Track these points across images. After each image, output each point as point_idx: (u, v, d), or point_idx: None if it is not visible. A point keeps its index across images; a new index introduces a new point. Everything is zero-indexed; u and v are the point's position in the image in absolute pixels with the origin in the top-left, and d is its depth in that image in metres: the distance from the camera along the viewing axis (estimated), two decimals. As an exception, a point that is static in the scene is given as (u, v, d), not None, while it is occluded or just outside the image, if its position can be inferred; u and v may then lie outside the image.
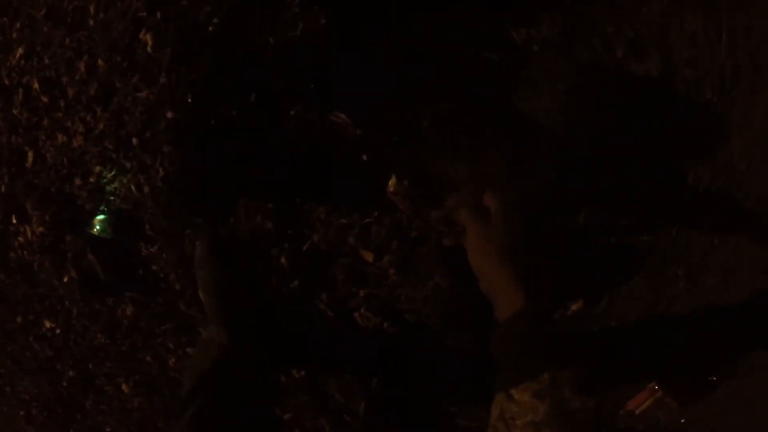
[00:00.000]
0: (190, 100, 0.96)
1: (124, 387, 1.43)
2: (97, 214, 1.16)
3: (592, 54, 0.91)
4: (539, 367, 0.51)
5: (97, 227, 1.16)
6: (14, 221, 1.44)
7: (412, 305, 1.04)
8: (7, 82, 1.28)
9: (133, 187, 1.10)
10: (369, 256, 1.05)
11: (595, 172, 0.98)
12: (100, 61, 1.06)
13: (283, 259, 1.05)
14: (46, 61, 1.16)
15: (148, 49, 0.98)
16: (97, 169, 1.15)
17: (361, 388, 1.16)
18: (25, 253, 1.43)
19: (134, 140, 1.07)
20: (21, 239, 1.45)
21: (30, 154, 1.33)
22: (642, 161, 0.97)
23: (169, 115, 1.00)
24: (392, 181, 0.93)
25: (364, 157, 0.94)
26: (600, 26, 0.89)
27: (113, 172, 1.12)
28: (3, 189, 1.41)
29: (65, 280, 1.37)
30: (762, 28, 0.88)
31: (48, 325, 1.50)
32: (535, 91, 0.94)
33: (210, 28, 0.93)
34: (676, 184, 0.98)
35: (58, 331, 1.49)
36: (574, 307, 1.05)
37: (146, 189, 1.08)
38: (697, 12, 0.86)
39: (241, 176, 1.00)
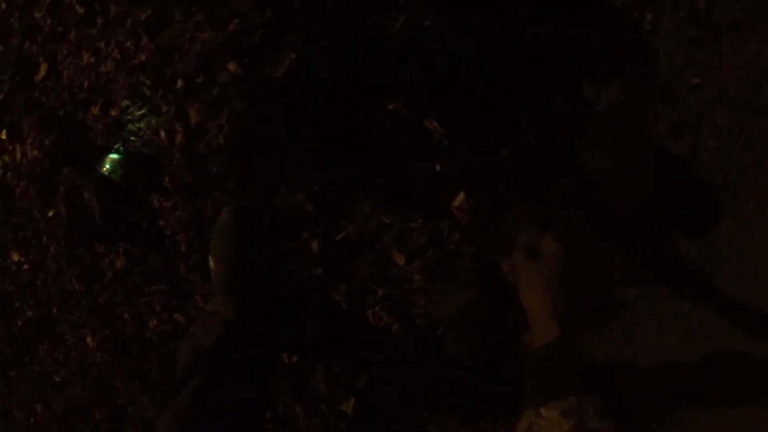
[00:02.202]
0: (262, 59, 0.80)
1: (88, 340, 1.21)
2: (110, 152, 0.96)
3: (641, 125, 0.95)
4: (568, 391, 0.56)
5: (107, 166, 0.96)
6: (2, 136, 1.19)
7: (434, 312, 0.96)
8: (36, -22, 1.05)
9: (162, 133, 0.90)
10: (400, 259, 0.96)
11: (619, 230, 1.03)
12: (160, -14, 0.87)
13: (314, 244, 0.90)
14: (94, -31, 0.95)
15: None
16: (124, 102, 0.94)
17: (347, 383, 1.06)
18: (8, 175, 1.17)
19: (179, 82, 0.88)
20: (6, 158, 1.19)
21: (43, 67, 1.09)
22: (652, 225, 1.04)
23: (231, 67, 0.83)
24: (460, 197, 0.85)
25: (437, 167, 0.84)
26: (653, 103, 0.93)
27: (142, 111, 0.92)
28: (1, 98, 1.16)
29: (49, 214, 1.13)
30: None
31: (15, 257, 1.24)
32: (594, 147, 0.97)
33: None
34: (670, 250, 1.05)
35: (25, 266, 1.23)
36: None
37: (179, 138, 0.89)
38: (729, 111, 0.92)
39: (296, 150, 0.85)
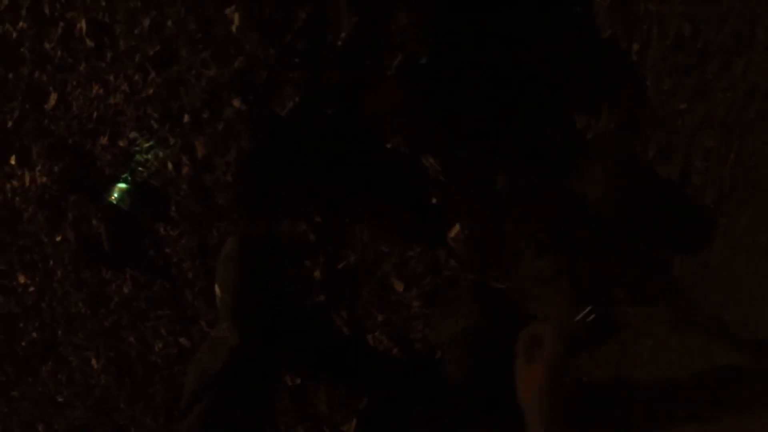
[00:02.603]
0: (266, 96, 0.83)
1: (93, 362, 1.22)
2: (118, 182, 0.98)
3: (631, 151, 0.97)
4: None
5: (115, 195, 0.98)
6: (11, 162, 1.22)
7: (432, 337, 0.99)
8: (47, 11, 1.07)
9: (170, 165, 0.93)
10: (399, 286, 0.99)
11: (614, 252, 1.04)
12: (169, 23, 0.90)
13: (316, 272, 0.93)
14: (103, 2, 0.98)
15: (233, 27, 0.85)
16: (132, 134, 0.97)
17: (350, 404, 1.08)
18: (16, 199, 1.20)
19: (186, 117, 0.91)
20: (15, 183, 1.21)
21: (53, 97, 1.12)
22: (646, 246, 1.05)
23: (236, 103, 0.86)
24: (455, 228, 0.88)
25: (434, 200, 0.87)
26: (643, 129, 0.95)
27: (150, 143, 0.95)
28: (9, 124, 1.18)
29: (57, 239, 1.16)
30: (763, 152, 0.99)
31: (22, 280, 1.26)
32: (586, 177, 0.99)
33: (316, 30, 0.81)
34: (664, 270, 1.06)
35: (31, 289, 1.25)
36: None
37: (185, 170, 0.92)
38: (717, 132, 0.94)
39: (298, 183, 0.88)
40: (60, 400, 1.30)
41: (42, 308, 1.23)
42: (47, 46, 1.08)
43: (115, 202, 0.97)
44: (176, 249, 0.98)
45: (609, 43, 0.94)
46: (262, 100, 0.87)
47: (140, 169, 0.96)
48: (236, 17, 0.84)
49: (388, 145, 0.84)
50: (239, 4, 0.84)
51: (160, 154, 0.93)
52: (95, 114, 1.02)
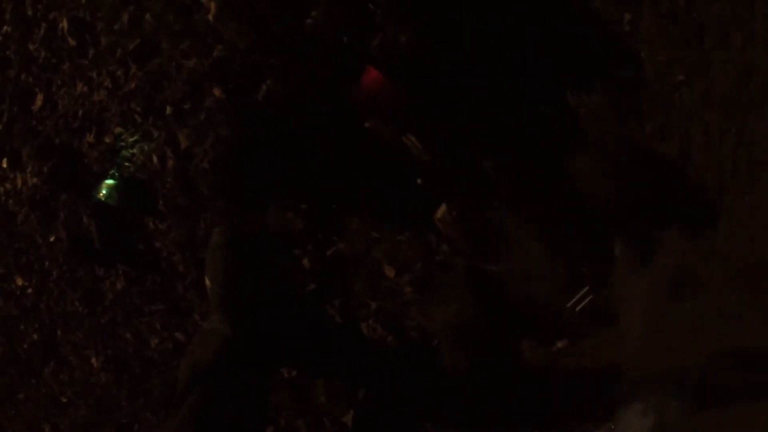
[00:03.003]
0: (245, 84, 0.83)
1: (92, 360, 1.23)
2: (106, 178, 0.99)
3: (626, 127, 0.95)
4: None
5: (103, 192, 0.99)
6: (3, 165, 1.23)
7: (427, 324, 0.98)
8: (30, 12, 1.07)
9: (155, 158, 0.93)
10: (390, 272, 0.98)
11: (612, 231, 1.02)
12: (148, 16, 0.90)
13: (305, 261, 0.93)
14: (83, 0, 0.99)
15: (210, 16, 0.84)
16: (117, 130, 0.97)
17: (348, 395, 1.08)
18: (10, 202, 1.21)
19: (169, 109, 0.91)
20: (8, 186, 1.23)
21: (39, 97, 1.12)
22: (648, 225, 1.03)
23: (216, 92, 0.86)
24: (442, 209, 0.87)
25: (419, 181, 0.86)
26: (638, 105, 0.93)
27: (135, 138, 0.95)
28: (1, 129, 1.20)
29: (51, 239, 1.17)
30: (763, 129, 0.95)
31: (20, 282, 1.28)
32: (581, 153, 0.97)
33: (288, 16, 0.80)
34: (668, 249, 1.04)
35: (29, 290, 1.27)
36: (560, 345, 1.05)
37: (170, 163, 0.92)
38: (717, 108, 0.91)
39: (283, 170, 0.88)
40: (63, 400, 1.32)
41: (40, 309, 1.25)
42: (31, 47, 1.09)
43: (103, 198, 0.98)
44: (166, 242, 0.99)
45: (599, 13, 0.92)
46: (242, 89, 0.86)
47: (127, 164, 0.97)
48: (213, 6, 0.84)
49: (367, 125, 0.83)
50: (215, -8, 0.84)
51: (145, 147, 0.94)
52: (81, 112, 1.03)
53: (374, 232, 0.94)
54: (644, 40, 0.91)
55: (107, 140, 0.99)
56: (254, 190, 0.91)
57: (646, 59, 0.93)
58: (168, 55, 0.91)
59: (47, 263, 1.19)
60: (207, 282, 0.90)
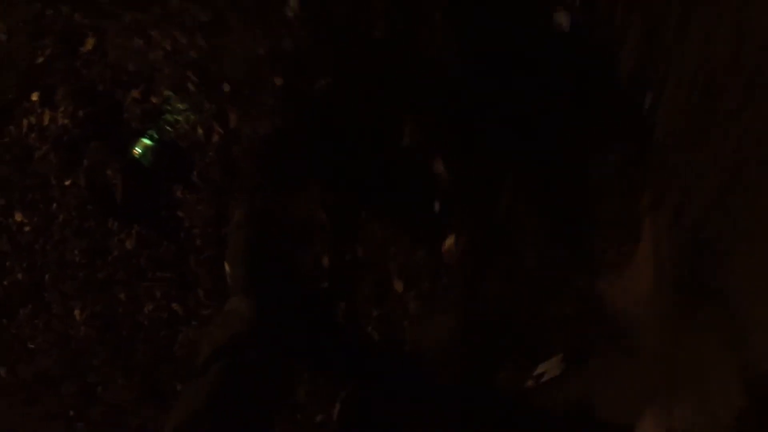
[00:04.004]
0: (305, 79, 0.86)
1: (76, 312, 1.22)
2: (144, 137, 0.99)
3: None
4: None
5: (138, 149, 0.99)
6: (33, 98, 1.21)
7: (423, 338, 1.01)
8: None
9: (200, 129, 0.95)
10: (399, 286, 1.02)
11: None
12: (224, -4, 0.93)
13: (324, 259, 0.95)
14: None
15: (289, 11, 0.88)
16: (166, 93, 0.98)
17: (329, 395, 1.09)
18: (32, 136, 1.19)
19: (226, 86, 0.94)
20: (32, 119, 1.21)
21: (90, 41, 1.12)
22: None
23: (277, 81, 0.89)
24: (450, 240, 0.92)
25: (437, 206, 0.91)
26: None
27: (184, 105, 0.96)
28: (39, 60, 1.18)
29: (66, 183, 1.16)
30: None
31: (18, 218, 1.25)
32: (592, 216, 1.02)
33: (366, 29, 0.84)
34: None
35: (27, 228, 1.24)
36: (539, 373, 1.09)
37: (216, 137, 0.94)
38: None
39: (321, 168, 0.90)
40: (31, 346, 1.28)
41: (35, 250, 1.22)
42: (93, -8, 1.09)
43: (137, 156, 0.98)
44: (190, 214, 1.00)
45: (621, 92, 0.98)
46: (302, 83, 0.89)
47: (168, 128, 0.98)
48: (294, 2, 0.87)
49: (405, 143, 0.87)
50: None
51: (191, 117, 0.95)
52: (131, 66, 1.03)
53: (392, 246, 0.97)
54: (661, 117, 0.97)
55: (154, 100, 1.00)
56: (290, 180, 0.93)
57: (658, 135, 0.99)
58: (237, 36, 0.93)
59: (55, 206, 1.17)
60: (227, 267, 0.92)
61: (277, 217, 0.95)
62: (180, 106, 0.97)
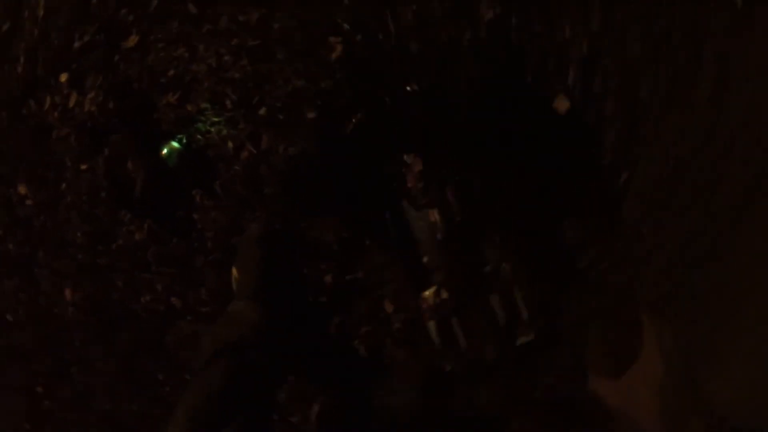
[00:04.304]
0: (340, 116, 0.97)
1: (67, 292, 1.23)
2: (173, 140, 1.05)
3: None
4: None
5: (165, 151, 1.05)
6: (62, 79, 1.24)
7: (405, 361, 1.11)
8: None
9: (231, 144, 1.02)
10: (389, 307, 1.11)
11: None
12: (276, 26, 1.00)
13: (328, 277, 1.04)
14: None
15: (332, 55, 0.98)
16: (203, 105, 1.06)
17: (308, 398, 1.15)
18: (54, 114, 1.22)
19: (263, 110, 1.02)
20: (57, 99, 1.24)
21: (133, 39, 1.17)
22: None
23: (311, 114, 0.98)
24: (431, 290, 1.03)
25: (425, 259, 1.03)
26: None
27: (218, 119, 1.04)
28: (75, 44, 1.22)
29: (82, 167, 1.19)
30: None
31: (22, 191, 1.26)
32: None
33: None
34: None
35: (29, 202, 1.26)
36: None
37: (245, 154, 1.02)
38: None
39: (340, 197, 1.01)
40: (9, 318, 1.28)
41: (32, 225, 1.24)
42: (144, -7, 1.16)
43: (164, 157, 1.04)
44: (205, 218, 1.06)
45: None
46: (333, 121, 1.00)
47: (199, 137, 1.05)
48: (339, 49, 0.98)
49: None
50: (344, 39, 0.98)
51: (224, 131, 1.03)
52: (172, 71, 1.10)
53: (389, 272, 1.07)
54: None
55: (189, 108, 1.07)
56: (310, 206, 1.02)
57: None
58: (280, 66, 1.02)
59: (64, 186, 1.20)
60: (234, 273, 0.98)
61: (291, 236, 1.03)
62: (214, 119, 1.04)
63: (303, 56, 1.01)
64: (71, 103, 1.20)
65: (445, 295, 1.04)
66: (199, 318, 1.07)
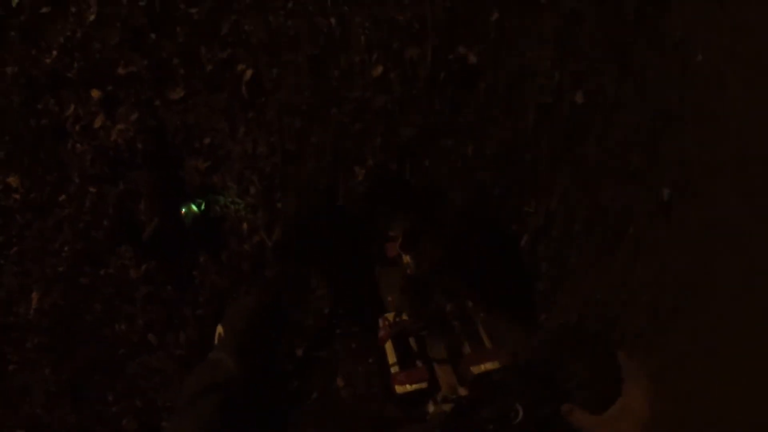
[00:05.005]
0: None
1: (34, 296, 1.24)
2: (192, 202, 1.17)
3: None
4: None
5: (185, 209, 1.16)
6: (93, 94, 1.26)
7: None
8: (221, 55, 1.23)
9: (245, 225, 1.18)
10: (341, 383, 1.32)
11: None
12: (313, 140, 1.20)
13: (299, 351, 1.24)
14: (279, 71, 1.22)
15: (355, 178, 1.19)
16: (229, 183, 1.19)
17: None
18: (74, 125, 1.24)
19: (280, 205, 1.19)
20: (80, 112, 1.25)
21: (178, 92, 1.24)
22: None
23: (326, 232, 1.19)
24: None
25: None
26: None
27: (239, 202, 1.18)
28: (119, 71, 1.25)
29: (90, 189, 1.23)
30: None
31: (13, 182, 1.25)
32: None
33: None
34: None
35: (15, 196, 1.24)
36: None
37: (257, 238, 1.18)
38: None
39: (334, 284, 1.21)
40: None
41: (14, 219, 1.24)
42: (203, 56, 1.25)
43: (183, 211, 1.16)
44: (205, 277, 1.20)
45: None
46: (346, 233, 1.21)
47: (217, 207, 1.19)
48: (361, 174, 1.20)
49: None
50: (368, 172, 1.21)
51: (242, 213, 1.18)
52: (207, 140, 1.22)
53: (347, 355, 1.29)
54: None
55: (214, 179, 1.20)
56: (304, 287, 1.21)
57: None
58: (308, 171, 1.21)
59: (64, 197, 1.23)
60: (220, 329, 1.13)
61: (280, 311, 1.19)
62: (235, 199, 1.19)
63: (330, 168, 1.21)
64: (96, 124, 1.24)
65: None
66: (172, 358, 1.20)
